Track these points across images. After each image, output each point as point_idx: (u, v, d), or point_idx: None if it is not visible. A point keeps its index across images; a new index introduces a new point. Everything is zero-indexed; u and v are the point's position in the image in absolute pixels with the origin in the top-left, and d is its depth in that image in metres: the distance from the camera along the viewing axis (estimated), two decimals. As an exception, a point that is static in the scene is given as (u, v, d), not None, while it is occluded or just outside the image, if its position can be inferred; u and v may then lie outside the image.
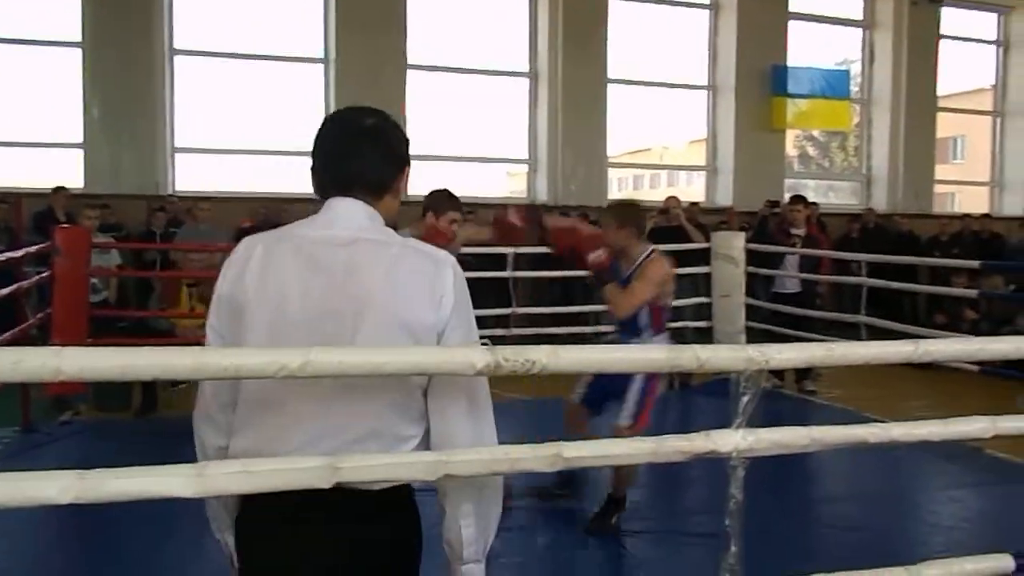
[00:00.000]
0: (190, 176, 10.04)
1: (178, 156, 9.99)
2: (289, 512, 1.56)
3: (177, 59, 9.93)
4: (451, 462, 1.60)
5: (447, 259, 1.59)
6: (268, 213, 9.38)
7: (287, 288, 1.52)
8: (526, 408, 5.73)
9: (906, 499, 4.85)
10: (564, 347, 1.70)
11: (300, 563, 1.55)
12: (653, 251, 4.00)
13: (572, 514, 4.23)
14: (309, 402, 1.55)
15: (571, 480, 4.29)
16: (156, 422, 5.97)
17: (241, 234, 8.87)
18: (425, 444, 1.62)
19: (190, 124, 10.02)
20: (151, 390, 6.18)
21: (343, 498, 1.54)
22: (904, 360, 1.95)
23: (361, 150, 1.61)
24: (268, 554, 1.60)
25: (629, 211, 4.11)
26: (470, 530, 1.63)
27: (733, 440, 1.80)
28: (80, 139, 9.48)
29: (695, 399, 6.98)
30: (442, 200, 4.12)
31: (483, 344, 1.63)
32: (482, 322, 6.08)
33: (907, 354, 1.95)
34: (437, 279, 1.54)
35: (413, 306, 1.53)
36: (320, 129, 1.66)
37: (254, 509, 1.61)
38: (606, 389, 3.95)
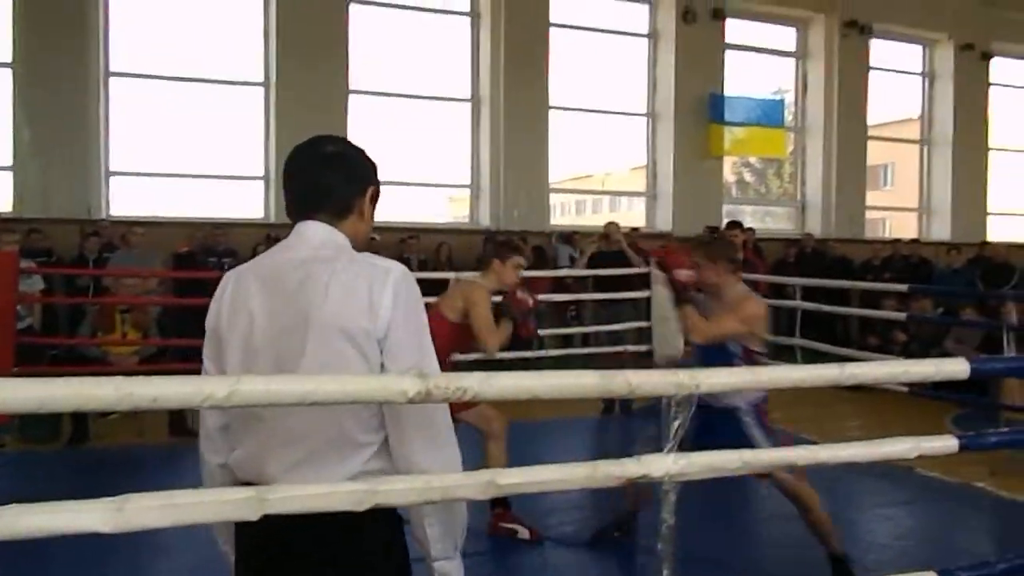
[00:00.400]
0: (125, 200, 9.82)
1: (112, 179, 9.77)
2: (277, 523, 1.57)
3: (112, 80, 9.75)
4: (380, 491, 1.58)
5: (392, 268, 1.63)
6: (205, 238, 9.24)
7: (253, 312, 1.63)
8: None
9: (841, 518, 4.92)
10: (497, 373, 1.70)
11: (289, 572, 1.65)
12: (750, 291, 3.77)
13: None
14: (280, 413, 1.60)
15: (629, 519, 4.12)
16: (87, 453, 5.79)
17: (178, 259, 8.78)
18: (385, 450, 1.66)
19: (125, 147, 9.83)
20: (81, 420, 6.00)
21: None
22: (831, 383, 1.99)
23: (323, 175, 1.72)
24: (259, 565, 1.68)
25: (721, 247, 3.86)
26: (434, 529, 1.70)
27: (665, 464, 1.82)
28: (9, 162, 9.21)
29: (635, 422, 7.03)
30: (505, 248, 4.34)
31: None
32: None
33: (833, 377, 1.99)
34: (376, 286, 1.59)
35: (351, 314, 1.58)
36: (287, 158, 1.76)
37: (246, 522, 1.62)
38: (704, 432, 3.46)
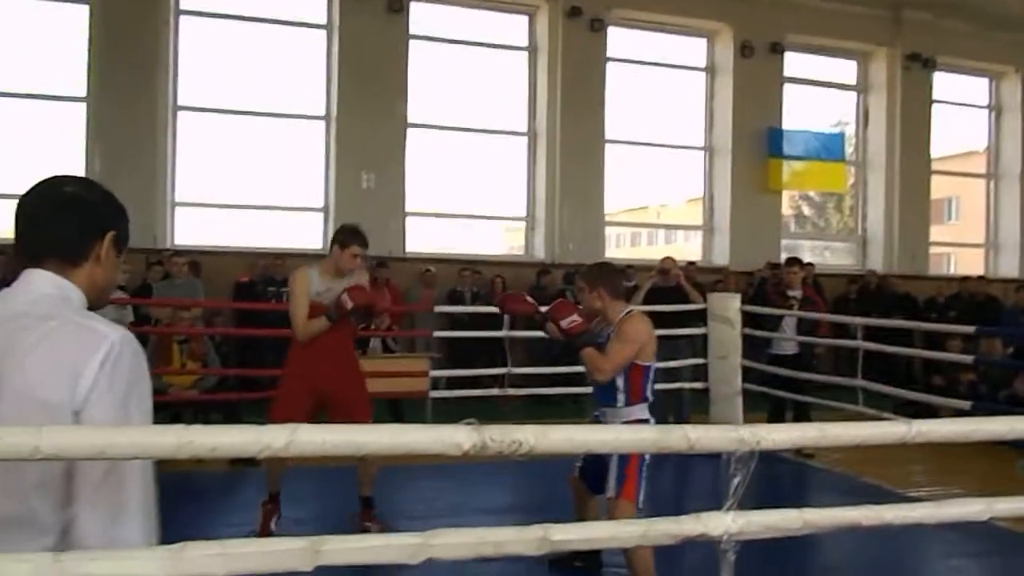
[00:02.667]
0: (189, 230, 10.08)
1: (178, 210, 10.04)
2: None
3: (180, 114, 10.05)
4: (434, 545, 1.57)
5: (109, 335, 1.46)
6: (265, 268, 9.43)
7: None
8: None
9: (907, 568, 4.77)
10: (552, 427, 1.68)
11: None
12: (632, 311, 3.88)
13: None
14: None
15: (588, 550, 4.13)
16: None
17: (239, 288, 8.93)
18: (70, 537, 1.46)
19: (191, 178, 10.10)
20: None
21: None
22: (898, 442, 1.93)
23: (54, 219, 1.55)
24: None
25: (599, 271, 3.99)
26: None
27: (724, 523, 1.77)
28: (81, 192, 9.53)
29: (692, 461, 6.90)
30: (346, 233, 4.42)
31: (469, 424, 1.61)
32: (477, 382, 6.15)
33: (900, 435, 1.92)
34: (82, 356, 1.42)
35: (45, 383, 1.42)
36: (21, 198, 1.58)
37: None
38: (594, 463, 3.83)
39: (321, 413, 4.47)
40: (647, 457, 3.67)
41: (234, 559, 1.53)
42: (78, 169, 9.50)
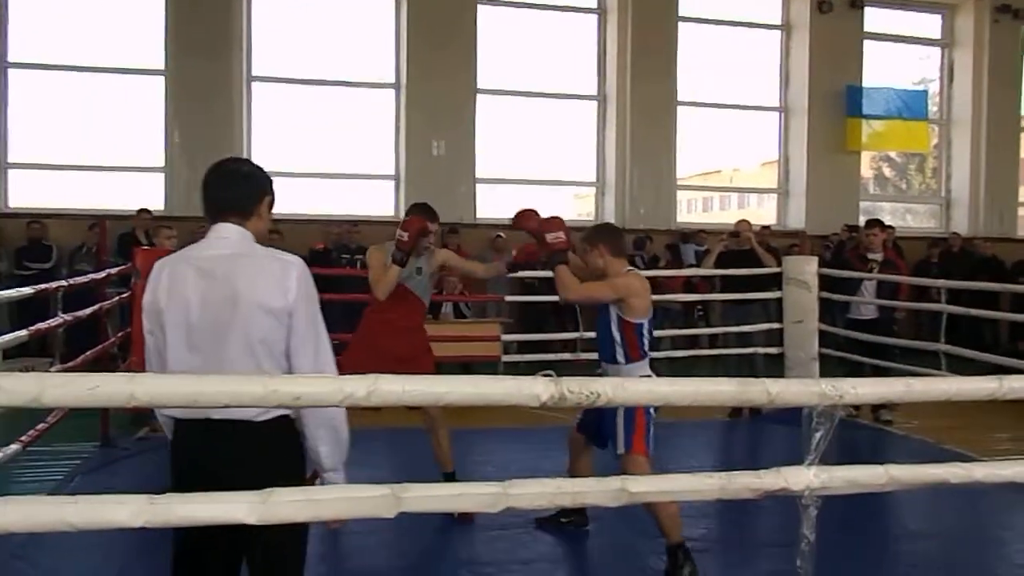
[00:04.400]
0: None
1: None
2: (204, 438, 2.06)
3: (255, 85, 10.23)
4: (512, 495, 1.59)
5: (293, 263, 2.15)
6: (339, 235, 9.58)
7: (189, 296, 2.10)
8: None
9: (990, 537, 4.64)
10: (629, 380, 1.67)
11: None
12: (631, 269, 3.92)
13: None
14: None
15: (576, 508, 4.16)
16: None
17: (314, 256, 9.11)
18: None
19: (267, 149, 10.28)
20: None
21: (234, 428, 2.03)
22: (987, 397, 1.86)
23: (235, 187, 2.23)
24: (190, 469, 2.09)
25: (601, 229, 4.05)
26: (325, 448, 2.15)
27: (806, 478, 1.74)
28: (162, 163, 9.82)
29: (765, 426, 6.82)
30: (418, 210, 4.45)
31: (547, 376, 1.62)
32: (549, 346, 6.21)
33: (990, 391, 1.86)
34: (284, 277, 2.11)
35: (268, 295, 2.09)
36: (207, 172, 2.24)
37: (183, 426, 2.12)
38: (597, 419, 3.85)
39: None
40: (652, 410, 3.68)
41: (319, 504, 1.57)
42: (159, 141, 9.79)
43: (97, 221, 6.60)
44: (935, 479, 1.81)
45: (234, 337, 2.06)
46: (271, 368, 2.09)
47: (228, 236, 2.17)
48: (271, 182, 2.30)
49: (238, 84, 10.02)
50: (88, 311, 5.44)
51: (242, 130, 10.07)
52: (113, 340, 6.02)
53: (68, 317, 4.91)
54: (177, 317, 2.09)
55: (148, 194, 9.63)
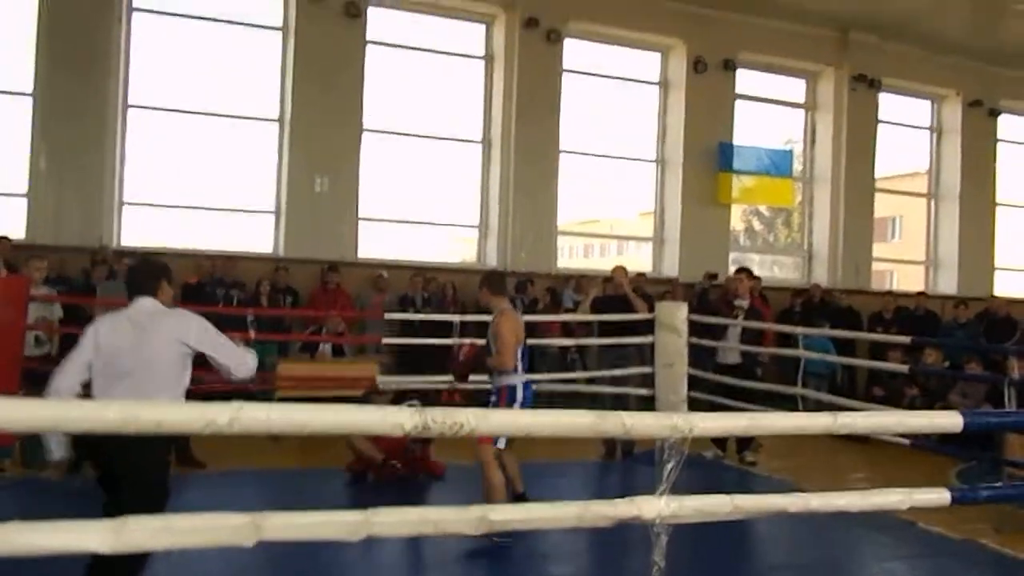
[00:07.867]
0: (136, 230, 9.92)
1: (125, 209, 9.87)
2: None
3: (130, 112, 9.91)
4: (374, 523, 1.61)
5: (192, 316, 3.51)
6: (214, 269, 9.32)
7: (121, 339, 3.37)
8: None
9: (840, 569, 4.91)
10: (491, 410, 1.73)
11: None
12: (504, 310, 4.98)
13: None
14: (141, 379, 3.42)
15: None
16: (88, 479, 5.78)
17: (187, 290, 8.83)
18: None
19: (139, 178, 9.95)
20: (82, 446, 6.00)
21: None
22: (823, 431, 2.01)
23: (138, 279, 3.59)
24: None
25: (487, 275, 5.44)
26: (224, 361, 3.49)
27: (656, 506, 1.84)
28: (24, 189, 9.34)
29: (637, 467, 7.01)
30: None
31: (412, 406, 1.66)
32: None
33: (826, 425, 2.01)
34: (185, 325, 3.44)
35: (177, 333, 3.40)
36: (129, 269, 4.00)
37: None
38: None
39: None
40: (520, 404, 4.81)
41: (175, 533, 1.55)
42: (23, 165, 9.31)
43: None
44: (775, 508, 1.93)
45: (151, 359, 3.35)
46: (183, 361, 3.44)
47: (146, 305, 3.50)
48: (167, 269, 3.65)
49: (113, 110, 9.67)
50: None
51: (114, 158, 9.70)
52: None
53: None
54: (110, 350, 3.34)
55: (8, 221, 9.12)
